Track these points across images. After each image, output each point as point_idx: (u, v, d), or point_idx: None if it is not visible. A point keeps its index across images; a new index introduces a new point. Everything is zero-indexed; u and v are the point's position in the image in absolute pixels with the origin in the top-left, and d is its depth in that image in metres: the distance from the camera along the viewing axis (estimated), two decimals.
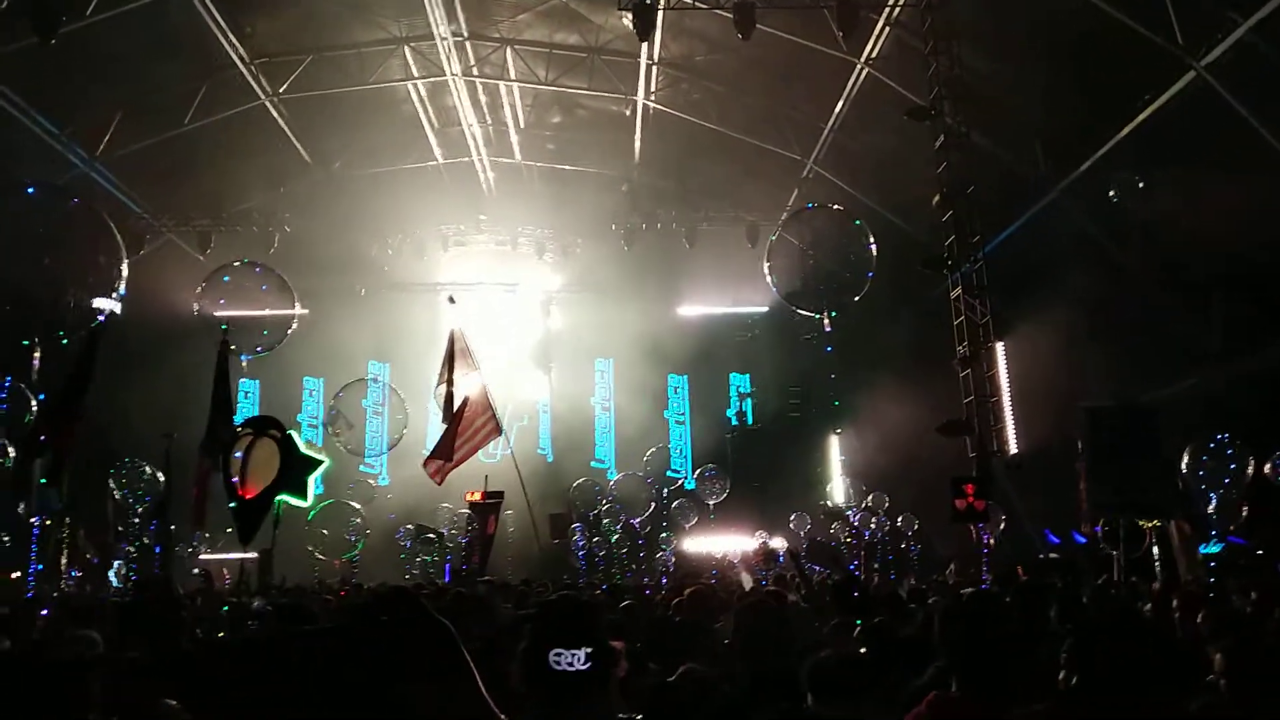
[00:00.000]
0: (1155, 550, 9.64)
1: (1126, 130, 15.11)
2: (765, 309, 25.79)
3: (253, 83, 19.93)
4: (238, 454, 7.47)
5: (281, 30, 19.63)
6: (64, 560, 13.86)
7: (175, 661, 4.12)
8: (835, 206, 16.29)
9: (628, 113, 21.99)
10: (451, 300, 12.31)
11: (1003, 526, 13.45)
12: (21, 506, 10.66)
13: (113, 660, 4.76)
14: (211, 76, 19.74)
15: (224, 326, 12.55)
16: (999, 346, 15.37)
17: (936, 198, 15.84)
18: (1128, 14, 13.47)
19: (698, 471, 24.14)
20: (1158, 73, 14.05)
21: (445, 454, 11.72)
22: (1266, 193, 12.53)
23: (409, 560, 22.47)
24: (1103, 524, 10.72)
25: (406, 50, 20.58)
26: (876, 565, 19.52)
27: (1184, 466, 12.26)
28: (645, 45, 18.26)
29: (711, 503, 22.87)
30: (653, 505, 22.55)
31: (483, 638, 5.28)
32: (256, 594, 9.38)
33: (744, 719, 3.13)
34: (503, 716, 1.72)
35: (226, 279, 17.16)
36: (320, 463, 7.77)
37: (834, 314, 14.85)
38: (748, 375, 27.63)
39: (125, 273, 11.06)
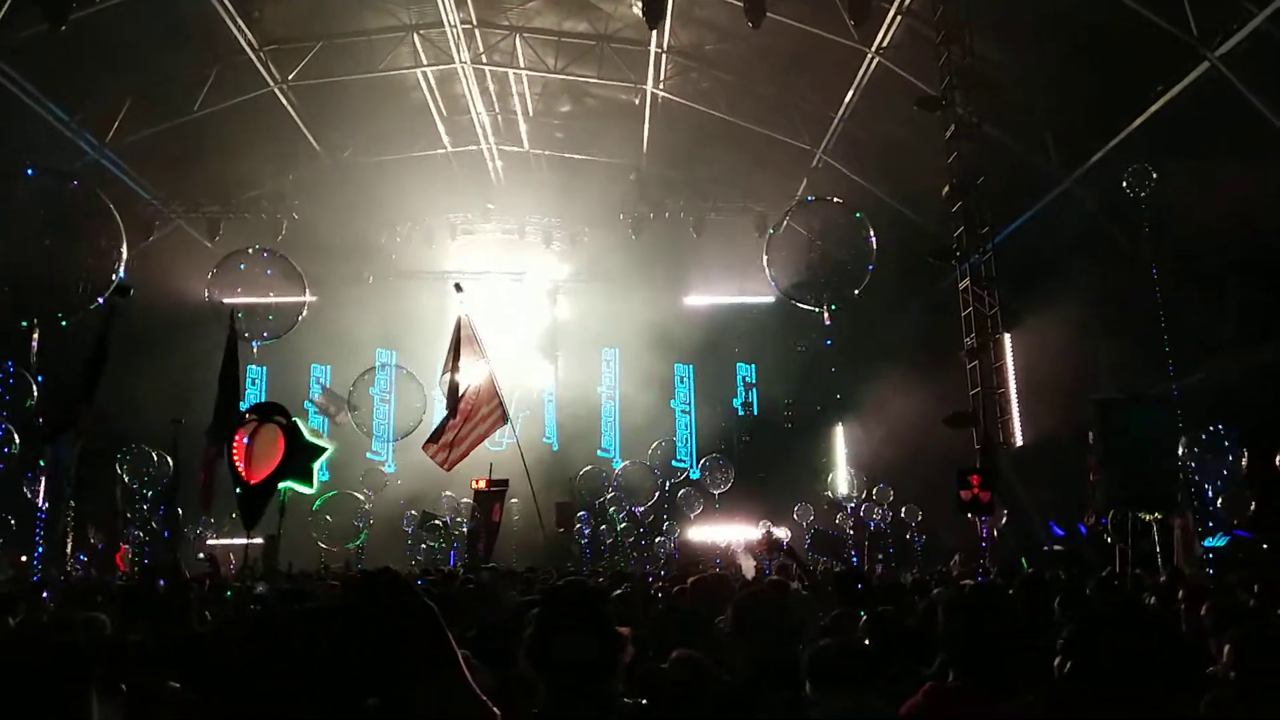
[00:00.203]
0: (1156, 543, 9.60)
1: (1139, 121, 14.99)
2: (773, 299, 25.71)
3: (262, 70, 19.93)
4: (243, 440, 7.48)
5: (291, 17, 19.63)
6: (69, 545, 13.93)
7: (179, 645, 4.14)
8: (835, 199, 16.20)
9: (636, 101, 21.91)
10: (458, 288, 12.26)
11: (1004, 520, 13.43)
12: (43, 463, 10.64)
13: (118, 643, 4.79)
14: (221, 63, 19.75)
15: (239, 315, 12.57)
16: (1007, 338, 15.31)
17: (946, 188, 15.77)
18: (1142, 3, 13.36)
19: (703, 461, 24.14)
20: (1171, 63, 13.94)
21: (448, 441, 11.71)
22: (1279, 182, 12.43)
23: (414, 547, 22.57)
24: (1111, 516, 10.68)
25: (416, 38, 20.53)
26: (880, 556, 19.51)
27: (1179, 459, 12.20)
28: (655, 33, 18.20)
29: (716, 492, 22.87)
30: (656, 494, 22.54)
31: (491, 624, 5.31)
32: (261, 579, 9.44)
33: (742, 707, 3.12)
34: (484, 697, 1.71)
35: (242, 266, 17.17)
36: (325, 449, 7.79)
37: (834, 307, 14.78)
38: (754, 365, 27.60)
39: (125, 255, 10.99)
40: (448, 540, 21.41)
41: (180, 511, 17.99)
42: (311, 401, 24.57)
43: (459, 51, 20.47)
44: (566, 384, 27.49)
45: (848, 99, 19.37)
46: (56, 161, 16.81)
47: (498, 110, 23.49)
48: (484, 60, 21.23)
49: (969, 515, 13.02)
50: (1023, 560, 12.70)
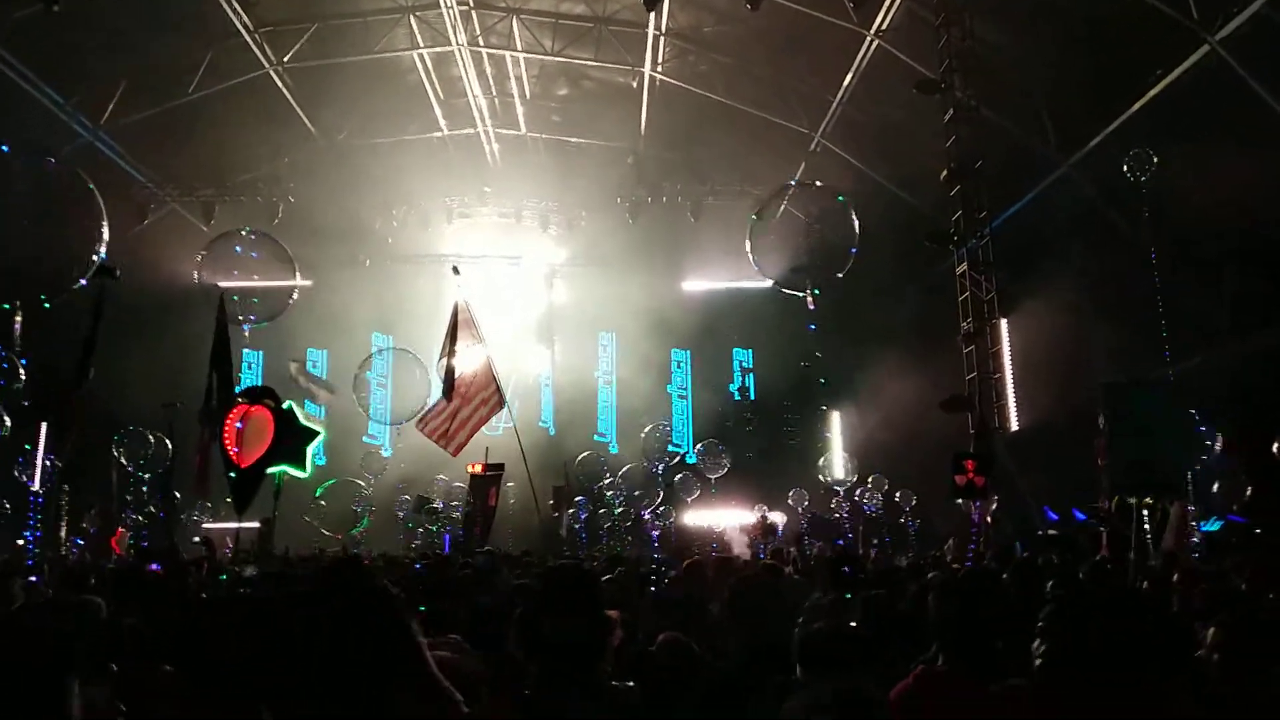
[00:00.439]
0: (1147, 527, 9.62)
1: (1138, 105, 14.93)
2: (770, 284, 25.66)
3: (257, 52, 19.80)
4: (234, 424, 7.46)
5: None
6: (64, 529, 13.93)
7: (169, 628, 4.14)
8: (817, 183, 16.18)
9: (634, 84, 21.79)
10: (455, 271, 12.23)
11: (995, 504, 13.45)
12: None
13: (111, 626, 4.78)
14: (215, 45, 19.61)
15: (235, 298, 12.51)
16: (1003, 323, 15.31)
17: (944, 172, 15.72)
18: None
19: (699, 445, 24.13)
20: (1170, 47, 13.86)
21: (445, 423, 11.71)
22: (1279, 168, 12.39)
23: (412, 530, 22.60)
24: (1115, 501, 10.69)
25: (412, 19, 20.39)
26: (875, 541, 19.56)
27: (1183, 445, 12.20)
28: (652, 16, 18.09)
29: (713, 477, 22.88)
30: (660, 496, 22.41)
31: (486, 608, 5.32)
32: (252, 562, 9.43)
33: (729, 690, 3.13)
34: (446, 685, 1.70)
35: (238, 249, 17.07)
36: (318, 433, 7.78)
37: (817, 291, 14.78)
38: (750, 350, 27.57)
39: (106, 235, 10.82)
40: (443, 524, 21.44)
41: (177, 495, 18.04)
42: (293, 379, 24.57)
43: (455, 33, 20.33)
44: (563, 368, 27.45)
45: (846, 82, 19.27)
46: (52, 144, 16.75)
47: (494, 93, 23.36)
48: (481, 42, 21.09)
49: (958, 500, 13.04)
50: (1017, 544, 12.72)
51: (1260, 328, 14.35)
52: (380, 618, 1.67)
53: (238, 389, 9.47)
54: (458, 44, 20.67)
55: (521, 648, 2.57)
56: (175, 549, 10.48)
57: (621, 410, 27.11)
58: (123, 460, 17.58)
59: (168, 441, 17.18)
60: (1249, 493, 12.62)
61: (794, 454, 25.21)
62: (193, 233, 22.51)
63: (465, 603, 6.44)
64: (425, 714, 1.67)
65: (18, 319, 10.67)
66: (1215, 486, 12.58)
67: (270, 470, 7.53)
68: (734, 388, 27.74)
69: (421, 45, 21.00)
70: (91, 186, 10.81)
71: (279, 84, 20.79)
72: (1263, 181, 12.40)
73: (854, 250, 14.45)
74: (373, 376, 23.71)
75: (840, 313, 23.75)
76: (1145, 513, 8.20)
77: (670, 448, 24.23)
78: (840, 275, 14.69)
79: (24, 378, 11.80)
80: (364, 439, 25.61)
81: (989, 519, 13.24)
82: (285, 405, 7.52)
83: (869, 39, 17.79)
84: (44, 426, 11.68)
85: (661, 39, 20.12)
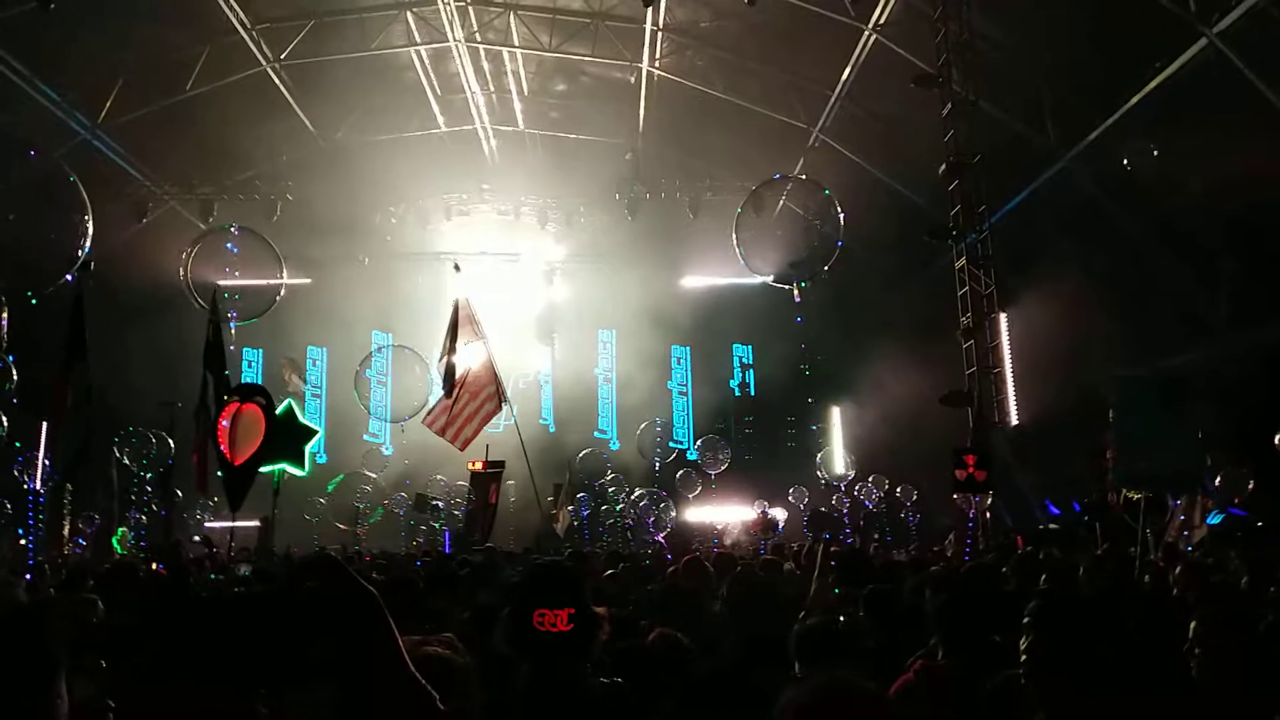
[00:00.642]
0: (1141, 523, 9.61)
1: (1136, 98, 14.89)
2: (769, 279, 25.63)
3: (254, 49, 19.74)
4: (225, 422, 7.45)
5: None
6: (66, 528, 13.92)
7: (166, 626, 4.13)
8: (802, 176, 16.19)
9: (632, 80, 21.75)
10: (456, 268, 12.21)
11: (989, 500, 13.45)
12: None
13: (105, 627, 4.78)
14: (212, 42, 19.56)
15: (226, 295, 12.47)
16: (1002, 317, 15.28)
17: (943, 166, 15.68)
18: None
19: (699, 441, 24.14)
20: (1169, 40, 13.82)
21: (451, 419, 11.69)
22: (1278, 162, 12.35)
23: (413, 528, 22.62)
24: (1121, 496, 10.68)
25: (409, 15, 20.35)
26: (876, 536, 19.57)
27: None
28: (650, 11, 18.02)
29: (713, 472, 22.88)
30: (673, 518, 22.23)
31: (485, 605, 5.31)
32: (250, 561, 9.43)
33: (721, 686, 3.12)
34: (425, 685, 1.69)
35: (230, 246, 17.01)
36: (316, 432, 7.76)
37: (804, 284, 14.78)
38: (750, 346, 27.55)
39: (91, 229, 10.67)
40: (444, 522, 21.47)
41: (178, 494, 18.06)
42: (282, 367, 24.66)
43: (453, 29, 20.27)
44: (563, 365, 27.44)
45: (845, 77, 19.23)
46: (48, 143, 16.72)
47: (492, 89, 23.31)
48: (478, 38, 21.03)
49: (955, 496, 13.02)
50: (1018, 539, 12.72)
51: (1260, 321, 14.34)
52: (350, 615, 1.65)
53: (233, 386, 9.43)
54: (455, 40, 20.61)
55: (509, 645, 2.56)
56: (178, 548, 10.50)
57: (622, 407, 27.10)
58: (124, 459, 17.60)
59: (170, 440, 17.19)
60: (1250, 486, 12.61)
61: (794, 449, 25.22)
62: (191, 231, 22.46)
63: (465, 600, 6.44)
64: (397, 712, 1.65)
65: (4, 315, 10.60)
66: (1217, 480, 12.56)
67: (270, 469, 7.52)
68: (734, 383, 27.73)
69: (419, 41, 20.94)
70: (74, 178, 10.67)
71: (276, 81, 20.74)
72: (1262, 174, 12.35)
73: (840, 244, 14.43)
74: (372, 374, 23.74)
75: (839, 308, 23.73)
76: (1142, 506, 8.18)
77: (671, 444, 24.23)
78: (826, 269, 14.66)
79: (15, 377, 11.75)
80: (365, 437, 25.63)
81: (986, 514, 13.24)
82: (284, 404, 7.51)
83: (867, 33, 17.73)
84: (44, 427, 11.65)
85: (659, 34, 20.06)
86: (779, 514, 21.19)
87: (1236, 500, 12.65)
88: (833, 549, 6.94)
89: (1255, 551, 8.28)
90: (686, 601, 6.19)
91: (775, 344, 26.19)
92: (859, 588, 5.46)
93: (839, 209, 14.31)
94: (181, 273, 16.88)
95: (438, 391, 12.90)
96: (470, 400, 11.63)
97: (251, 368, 25.84)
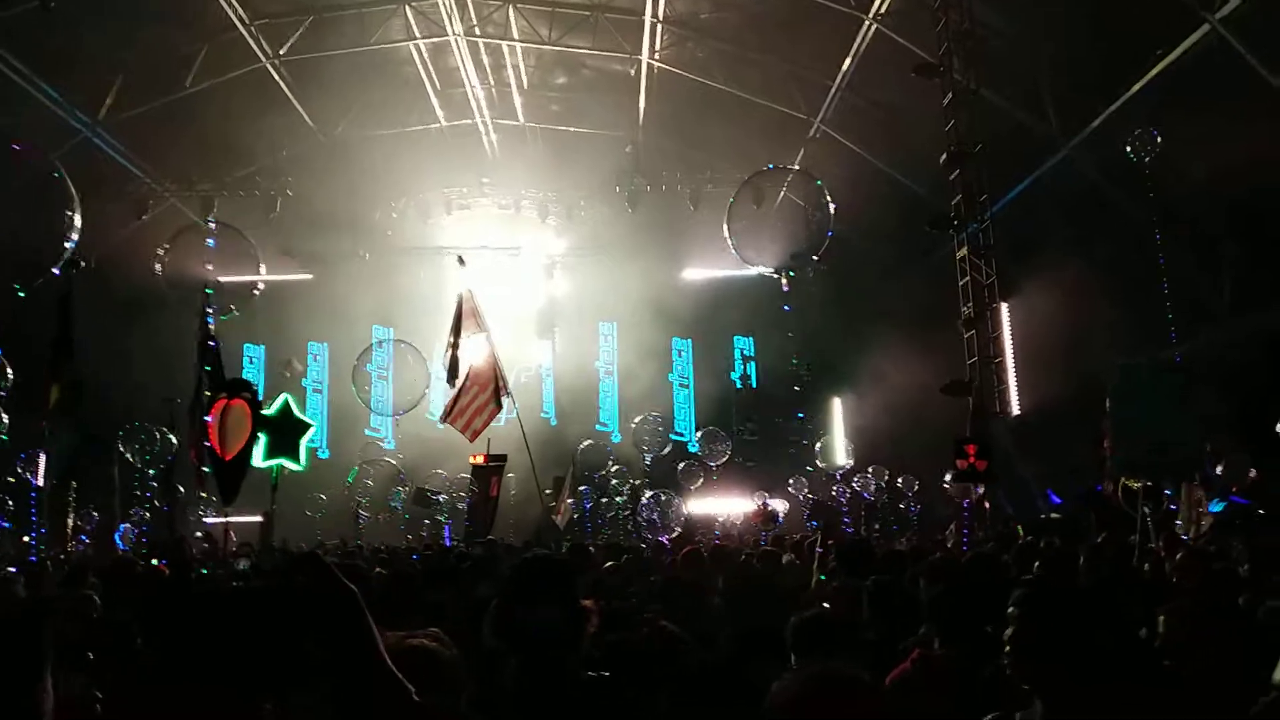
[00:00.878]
0: (1146, 510, 9.59)
1: (1139, 85, 14.82)
2: (771, 271, 25.57)
3: (253, 45, 19.73)
4: (214, 417, 7.45)
5: None
6: (70, 524, 13.95)
7: (162, 621, 4.13)
8: (793, 166, 16.15)
9: (632, 72, 21.69)
10: (461, 261, 12.18)
11: (981, 490, 13.44)
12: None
13: (103, 623, 4.78)
14: (212, 39, 19.55)
15: (209, 290, 12.41)
16: (1004, 307, 15.24)
17: (944, 156, 15.63)
18: None
19: (700, 433, 24.11)
20: (1171, 26, 13.75)
21: (459, 412, 11.69)
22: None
23: (413, 522, 22.65)
24: (1121, 485, 10.63)
25: (408, 10, 20.30)
26: (877, 526, 19.57)
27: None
28: (649, 3, 17.97)
29: (714, 464, 22.87)
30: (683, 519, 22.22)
31: (484, 598, 5.31)
32: (250, 556, 9.45)
33: (713, 678, 3.11)
34: (406, 684, 1.68)
35: (212, 243, 16.90)
36: (310, 426, 7.76)
37: (792, 274, 14.78)
38: (751, 338, 27.52)
39: (78, 223, 10.55)
40: (446, 516, 21.49)
41: (180, 489, 18.08)
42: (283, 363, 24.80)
43: (451, 23, 20.23)
44: (564, 358, 27.42)
45: (845, 67, 19.15)
46: (48, 139, 16.71)
47: (492, 83, 23.26)
48: (477, 32, 20.98)
49: (944, 484, 12.98)
50: (1019, 528, 12.70)
51: (1263, 307, 14.29)
52: (330, 611, 1.65)
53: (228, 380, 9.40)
54: (454, 34, 20.57)
55: (497, 638, 2.55)
56: (181, 543, 10.50)
57: (623, 400, 27.09)
58: (129, 455, 17.64)
59: (171, 436, 17.22)
60: (1252, 474, 12.56)
61: (796, 440, 25.18)
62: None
63: (466, 593, 6.44)
64: (373, 705, 1.65)
65: None
66: (1219, 468, 12.51)
67: (268, 464, 7.53)
68: (736, 375, 27.70)
69: (418, 36, 20.91)
70: (60, 173, 10.54)
71: (276, 77, 20.73)
72: (1265, 160, 12.29)
73: (830, 233, 14.41)
74: (373, 368, 23.74)
75: (840, 298, 23.67)
76: (1141, 494, 8.14)
77: (671, 436, 24.20)
78: (817, 258, 14.65)
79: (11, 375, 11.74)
80: (366, 432, 25.66)
81: (985, 503, 13.22)
82: (280, 401, 7.51)
83: (867, 23, 17.66)
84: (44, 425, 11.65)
85: (659, 26, 19.99)
86: (780, 505, 21.18)
87: (1234, 489, 12.60)
88: (829, 541, 6.93)
89: (1258, 539, 8.24)
90: (688, 593, 6.19)
91: (777, 335, 26.15)
92: (861, 579, 5.46)
93: (829, 198, 14.28)
94: (159, 269, 16.79)
95: (437, 386, 12.92)
96: (480, 393, 11.63)
97: (253, 364, 25.87)
